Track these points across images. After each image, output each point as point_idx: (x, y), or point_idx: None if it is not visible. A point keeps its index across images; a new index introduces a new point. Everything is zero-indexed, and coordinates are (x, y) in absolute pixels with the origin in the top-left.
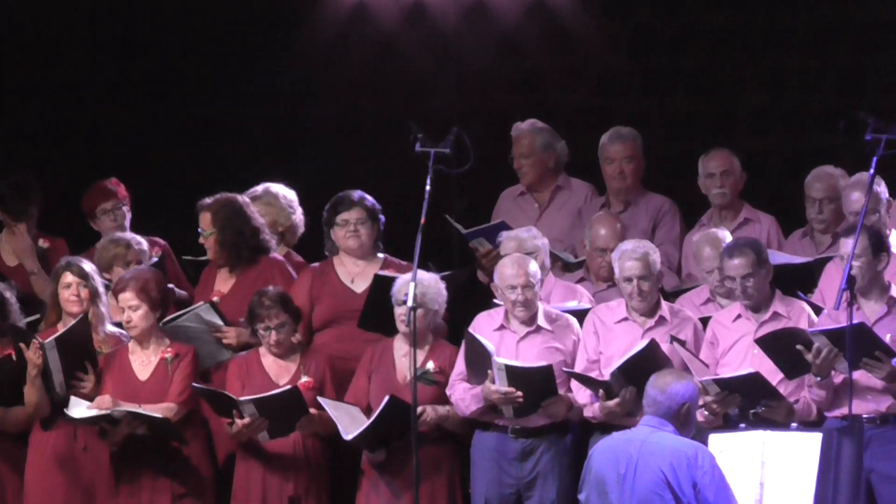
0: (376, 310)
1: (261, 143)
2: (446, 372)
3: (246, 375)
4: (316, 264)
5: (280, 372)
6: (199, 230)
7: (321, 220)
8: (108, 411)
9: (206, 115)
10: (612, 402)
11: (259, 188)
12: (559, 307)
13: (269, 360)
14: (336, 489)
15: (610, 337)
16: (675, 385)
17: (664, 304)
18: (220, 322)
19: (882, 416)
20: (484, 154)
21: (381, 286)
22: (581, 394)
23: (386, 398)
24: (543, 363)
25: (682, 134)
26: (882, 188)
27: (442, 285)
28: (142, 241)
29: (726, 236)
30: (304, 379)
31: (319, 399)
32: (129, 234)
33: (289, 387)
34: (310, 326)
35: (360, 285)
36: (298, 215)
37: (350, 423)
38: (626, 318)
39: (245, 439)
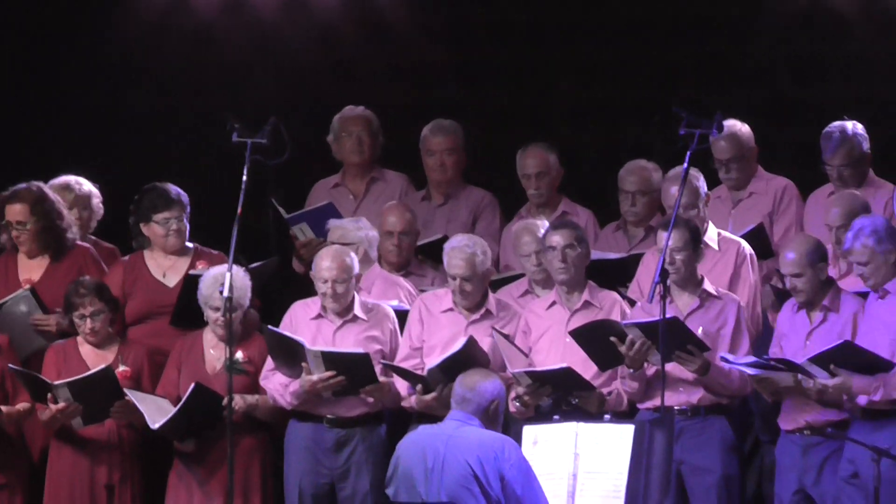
0: (188, 308)
1: (73, 131)
2: (255, 362)
3: (63, 363)
4: (126, 258)
5: (98, 361)
6: (8, 222)
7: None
8: None
9: (15, 102)
10: (428, 397)
11: (71, 179)
12: (379, 303)
13: (86, 349)
14: (150, 478)
15: (435, 326)
16: (483, 384)
17: (491, 297)
18: (38, 309)
19: (693, 408)
20: (302, 145)
21: (193, 285)
22: (401, 383)
23: (192, 385)
24: (360, 350)
25: (499, 126)
26: (701, 182)
27: (247, 279)
28: None
29: (544, 223)
30: (121, 368)
31: (126, 391)
32: None
33: (103, 366)
34: (122, 320)
35: (172, 279)
36: (100, 204)
37: (157, 412)
38: (451, 309)
39: (58, 426)
